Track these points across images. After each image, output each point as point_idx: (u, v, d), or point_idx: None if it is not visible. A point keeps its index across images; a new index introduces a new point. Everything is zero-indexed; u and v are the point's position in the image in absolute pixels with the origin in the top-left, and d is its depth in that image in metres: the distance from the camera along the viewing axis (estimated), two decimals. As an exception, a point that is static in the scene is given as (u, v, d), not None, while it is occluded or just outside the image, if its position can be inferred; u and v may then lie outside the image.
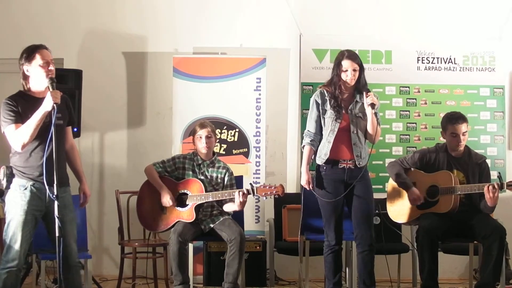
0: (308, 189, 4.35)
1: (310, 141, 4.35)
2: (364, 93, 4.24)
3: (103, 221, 5.96)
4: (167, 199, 4.64)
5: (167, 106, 5.87)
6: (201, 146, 4.74)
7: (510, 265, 5.34)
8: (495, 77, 5.97)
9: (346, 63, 4.23)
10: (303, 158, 4.40)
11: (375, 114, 4.24)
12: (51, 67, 3.66)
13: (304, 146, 4.40)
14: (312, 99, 4.39)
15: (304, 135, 4.43)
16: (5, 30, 5.98)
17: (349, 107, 4.29)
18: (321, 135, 4.34)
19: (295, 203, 5.20)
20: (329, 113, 4.29)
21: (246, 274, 4.84)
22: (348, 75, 4.22)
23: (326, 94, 4.32)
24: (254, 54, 5.78)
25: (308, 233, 4.82)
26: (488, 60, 5.97)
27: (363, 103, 4.28)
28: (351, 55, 4.26)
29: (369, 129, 4.26)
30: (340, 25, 6.00)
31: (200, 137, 4.73)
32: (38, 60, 3.64)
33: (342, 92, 4.29)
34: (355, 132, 4.27)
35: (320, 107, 4.33)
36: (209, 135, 4.73)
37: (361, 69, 4.27)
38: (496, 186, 4.27)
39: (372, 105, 4.19)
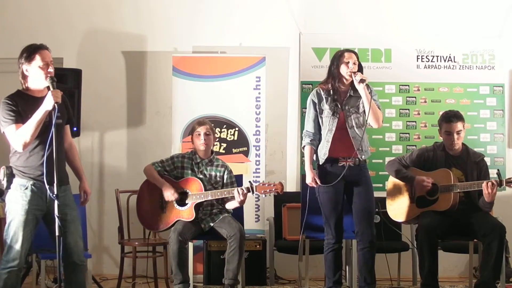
0: (315, 185, 4.33)
1: (310, 140, 4.37)
2: (352, 74, 4.24)
3: (103, 221, 5.96)
4: (170, 193, 4.62)
5: (166, 105, 5.87)
6: (199, 143, 4.73)
7: (510, 263, 5.34)
8: (495, 75, 5.96)
9: (348, 54, 4.29)
10: (305, 158, 4.42)
11: (372, 98, 4.22)
12: (51, 69, 3.64)
13: (304, 146, 4.41)
14: (308, 99, 4.41)
15: (303, 135, 4.45)
16: (3, 30, 5.97)
17: (344, 103, 4.31)
18: (320, 134, 4.36)
19: (295, 202, 5.20)
20: (326, 112, 4.31)
21: (246, 273, 4.85)
22: (350, 65, 4.25)
23: (323, 93, 4.35)
24: (254, 53, 5.78)
25: (308, 232, 4.82)
26: (488, 58, 5.97)
27: (357, 97, 4.29)
28: (352, 51, 4.36)
29: (366, 108, 4.24)
30: (339, 23, 6.00)
31: (199, 134, 4.73)
32: (38, 61, 3.62)
33: (339, 86, 4.30)
34: (352, 126, 4.28)
35: (317, 107, 4.35)
36: (208, 133, 4.73)
37: (360, 67, 4.31)
38: (495, 183, 4.28)
39: (362, 80, 4.20)
